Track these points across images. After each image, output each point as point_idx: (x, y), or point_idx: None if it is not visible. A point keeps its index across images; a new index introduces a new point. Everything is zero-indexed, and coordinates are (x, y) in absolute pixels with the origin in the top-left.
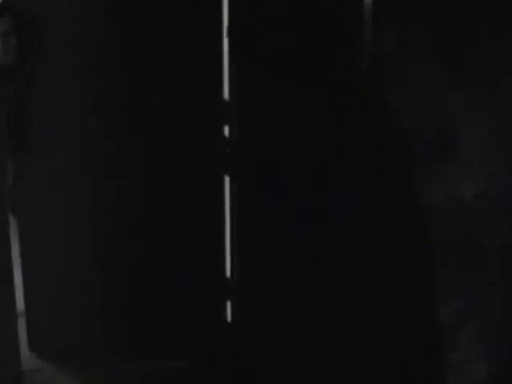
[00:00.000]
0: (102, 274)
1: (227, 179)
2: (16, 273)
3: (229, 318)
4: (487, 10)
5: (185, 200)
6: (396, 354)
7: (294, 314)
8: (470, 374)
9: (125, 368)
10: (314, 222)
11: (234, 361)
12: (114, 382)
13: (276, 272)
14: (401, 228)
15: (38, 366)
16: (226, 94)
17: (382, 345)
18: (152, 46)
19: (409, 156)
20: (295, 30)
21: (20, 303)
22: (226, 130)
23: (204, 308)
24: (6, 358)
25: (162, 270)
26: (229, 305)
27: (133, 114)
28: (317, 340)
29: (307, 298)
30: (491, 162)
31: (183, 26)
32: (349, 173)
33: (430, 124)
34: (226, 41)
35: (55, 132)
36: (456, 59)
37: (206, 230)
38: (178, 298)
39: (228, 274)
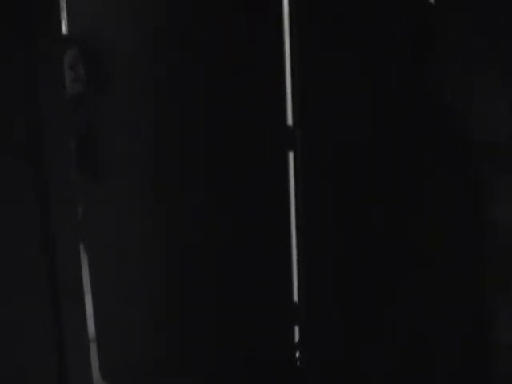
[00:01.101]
0: (172, 300)
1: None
2: (86, 299)
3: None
4: None
5: (253, 225)
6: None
7: (360, 336)
8: None
9: None
10: (378, 241)
11: None
12: None
13: (342, 296)
14: (465, 239)
15: None
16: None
17: (444, 360)
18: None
19: (474, 168)
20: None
21: (91, 329)
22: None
23: (272, 332)
24: None
25: (229, 294)
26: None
27: (197, 137)
28: (382, 361)
29: (373, 321)
30: None
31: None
32: (417, 184)
33: (494, 135)
34: None
35: (123, 159)
36: None
37: (273, 255)
38: (246, 323)
39: (295, 298)
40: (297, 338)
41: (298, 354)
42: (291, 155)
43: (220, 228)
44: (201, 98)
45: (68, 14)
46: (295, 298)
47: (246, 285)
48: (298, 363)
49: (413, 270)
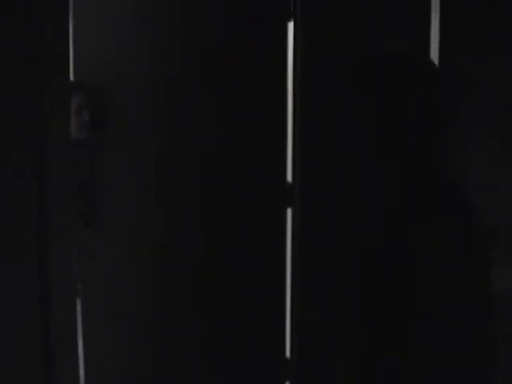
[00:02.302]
0: (165, 347)
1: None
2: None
3: None
4: None
5: (247, 279)
6: None
7: None
8: None
9: None
10: (377, 301)
11: None
12: None
13: (338, 353)
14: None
15: None
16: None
17: None
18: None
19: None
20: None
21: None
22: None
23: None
24: None
25: (220, 347)
26: None
27: (196, 188)
28: None
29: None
30: None
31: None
32: (422, 236)
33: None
34: None
35: (122, 208)
36: None
37: (267, 310)
38: (236, 376)
39: (288, 353)
40: None
41: None
42: (289, 212)
43: (215, 282)
44: (201, 151)
45: (75, 59)
46: (287, 353)
47: (237, 339)
48: None
49: (413, 323)
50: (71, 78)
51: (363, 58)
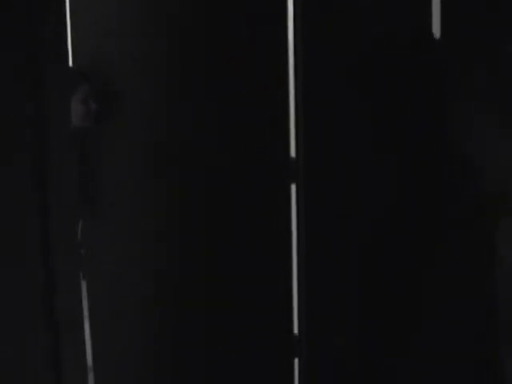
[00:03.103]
0: (170, 331)
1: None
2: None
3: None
4: None
5: (253, 257)
6: None
7: (364, 372)
8: None
9: None
10: (389, 282)
11: None
12: None
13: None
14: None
15: None
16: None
17: None
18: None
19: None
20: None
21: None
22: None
23: (271, 366)
24: None
25: (230, 326)
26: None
27: (198, 169)
28: None
29: (378, 354)
30: None
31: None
32: (420, 225)
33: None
34: None
35: (125, 195)
36: None
37: (274, 287)
38: (244, 356)
39: (296, 330)
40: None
41: None
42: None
43: (221, 262)
44: (204, 130)
45: (78, 50)
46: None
47: (245, 317)
48: None
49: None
50: (77, 66)
51: (365, 43)
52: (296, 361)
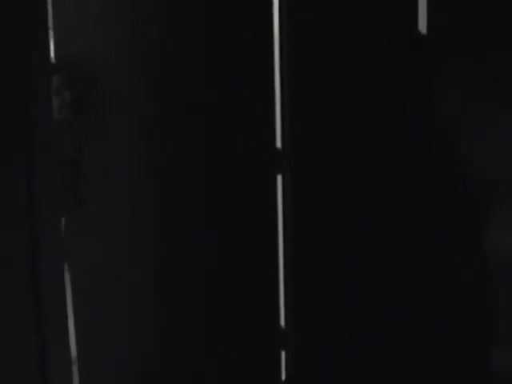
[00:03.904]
0: (154, 322)
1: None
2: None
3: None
4: None
5: (239, 249)
6: None
7: (351, 366)
8: None
9: None
10: (372, 272)
11: None
12: None
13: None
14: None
15: None
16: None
17: None
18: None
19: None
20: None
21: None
22: None
23: (258, 359)
24: None
25: (216, 320)
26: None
27: (183, 155)
28: None
29: (364, 351)
30: None
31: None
32: (414, 217)
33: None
34: None
35: (108, 184)
36: None
37: (260, 280)
38: (231, 349)
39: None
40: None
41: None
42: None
43: (207, 253)
44: (189, 121)
45: (54, 39)
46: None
47: (231, 310)
48: None
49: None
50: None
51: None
52: (283, 353)
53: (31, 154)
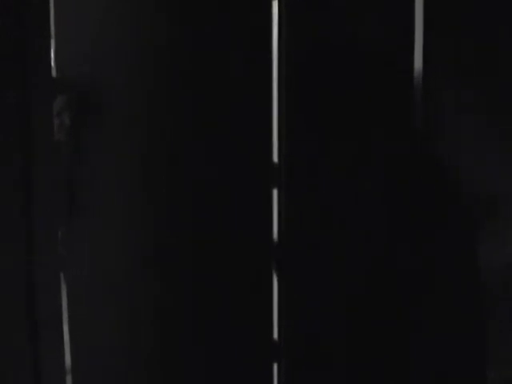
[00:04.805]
0: (150, 331)
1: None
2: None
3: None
4: None
5: (234, 281)
6: None
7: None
8: None
9: None
10: (367, 287)
11: None
12: None
13: (327, 334)
14: (454, 287)
15: None
16: None
17: None
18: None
19: (463, 217)
20: (345, 91)
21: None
22: None
23: (250, 371)
24: None
25: (207, 330)
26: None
27: (180, 175)
28: None
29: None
30: None
31: None
32: (402, 234)
33: (482, 182)
34: None
35: (102, 202)
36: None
37: (252, 289)
38: (223, 360)
39: (275, 335)
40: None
41: None
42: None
43: (200, 265)
44: (187, 136)
45: (57, 58)
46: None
47: (223, 321)
48: None
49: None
50: (56, 75)
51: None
52: (275, 366)
53: (32, 169)
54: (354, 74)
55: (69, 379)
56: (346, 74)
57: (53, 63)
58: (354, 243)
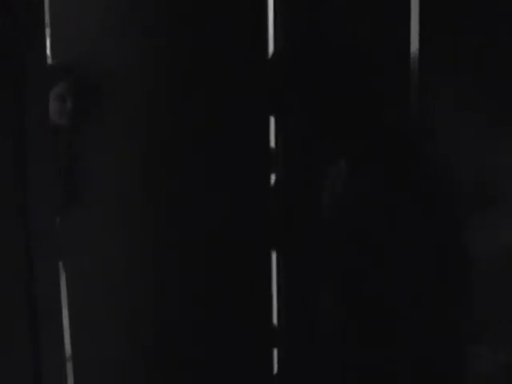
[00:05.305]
0: (148, 320)
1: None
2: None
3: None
4: None
5: (233, 268)
6: None
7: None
8: None
9: None
10: (362, 279)
11: None
12: None
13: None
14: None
15: None
16: None
17: None
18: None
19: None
20: (340, 89)
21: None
22: None
23: (250, 357)
24: None
25: (207, 317)
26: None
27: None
28: None
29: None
30: None
31: None
32: (397, 232)
33: (479, 175)
34: None
35: (101, 188)
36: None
37: (251, 275)
38: (223, 346)
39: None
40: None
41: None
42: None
43: (200, 253)
44: (187, 127)
45: (57, 42)
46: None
47: (223, 307)
48: None
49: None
50: (50, 60)
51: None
52: (275, 351)
53: (27, 157)
54: (352, 72)
55: (69, 366)
56: (344, 72)
57: (48, 51)
58: (353, 231)
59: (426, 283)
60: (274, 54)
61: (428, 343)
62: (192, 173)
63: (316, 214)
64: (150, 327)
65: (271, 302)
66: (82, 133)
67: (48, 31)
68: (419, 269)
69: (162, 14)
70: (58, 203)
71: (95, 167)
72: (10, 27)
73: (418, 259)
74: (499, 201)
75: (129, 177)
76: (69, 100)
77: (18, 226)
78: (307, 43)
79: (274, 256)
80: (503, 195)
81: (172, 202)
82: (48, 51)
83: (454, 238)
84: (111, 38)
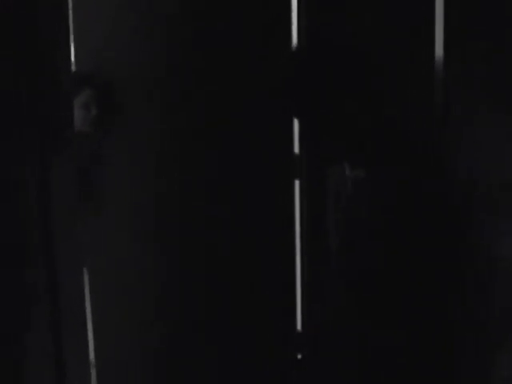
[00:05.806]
0: (169, 325)
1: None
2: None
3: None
4: None
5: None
6: None
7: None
8: None
9: None
10: (385, 285)
11: None
12: None
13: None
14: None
15: None
16: None
17: None
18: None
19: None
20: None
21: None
22: None
23: (274, 362)
24: None
25: (232, 322)
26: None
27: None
28: None
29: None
30: None
31: None
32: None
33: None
34: None
35: (122, 192)
36: None
37: (276, 281)
38: (247, 352)
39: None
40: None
41: None
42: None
43: (222, 258)
44: (206, 129)
45: (81, 51)
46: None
47: (248, 312)
48: None
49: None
50: (73, 68)
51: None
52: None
53: (50, 163)
54: (373, 73)
55: (93, 373)
56: (365, 70)
57: (73, 58)
58: (375, 234)
59: (447, 285)
60: (295, 52)
61: (452, 345)
62: (211, 177)
63: (334, 220)
64: (174, 334)
65: (295, 308)
66: (103, 137)
67: (72, 39)
68: (442, 270)
69: (187, 22)
70: (80, 211)
71: (112, 168)
72: (35, 36)
73: (441, 260)
74: None
75: (146, 181)
76: (93, 108)
77: (41, 234)
78: (330, 43)
79: (298, 257)
80: None
81: (195, 209)
82: (72, 59)
83: (474, 240)
84: (134, 45)
